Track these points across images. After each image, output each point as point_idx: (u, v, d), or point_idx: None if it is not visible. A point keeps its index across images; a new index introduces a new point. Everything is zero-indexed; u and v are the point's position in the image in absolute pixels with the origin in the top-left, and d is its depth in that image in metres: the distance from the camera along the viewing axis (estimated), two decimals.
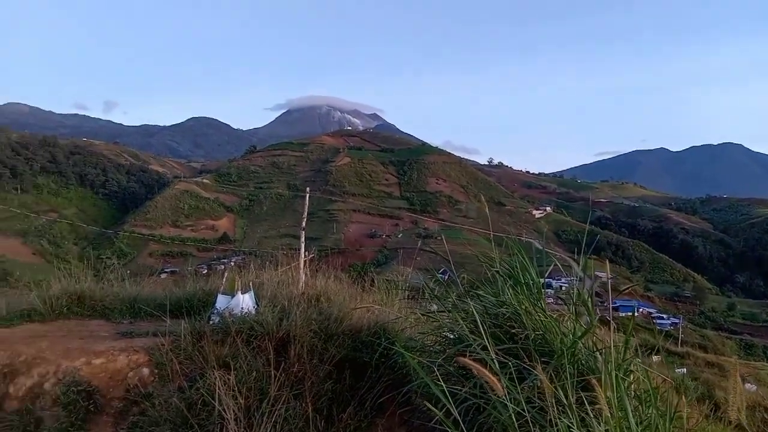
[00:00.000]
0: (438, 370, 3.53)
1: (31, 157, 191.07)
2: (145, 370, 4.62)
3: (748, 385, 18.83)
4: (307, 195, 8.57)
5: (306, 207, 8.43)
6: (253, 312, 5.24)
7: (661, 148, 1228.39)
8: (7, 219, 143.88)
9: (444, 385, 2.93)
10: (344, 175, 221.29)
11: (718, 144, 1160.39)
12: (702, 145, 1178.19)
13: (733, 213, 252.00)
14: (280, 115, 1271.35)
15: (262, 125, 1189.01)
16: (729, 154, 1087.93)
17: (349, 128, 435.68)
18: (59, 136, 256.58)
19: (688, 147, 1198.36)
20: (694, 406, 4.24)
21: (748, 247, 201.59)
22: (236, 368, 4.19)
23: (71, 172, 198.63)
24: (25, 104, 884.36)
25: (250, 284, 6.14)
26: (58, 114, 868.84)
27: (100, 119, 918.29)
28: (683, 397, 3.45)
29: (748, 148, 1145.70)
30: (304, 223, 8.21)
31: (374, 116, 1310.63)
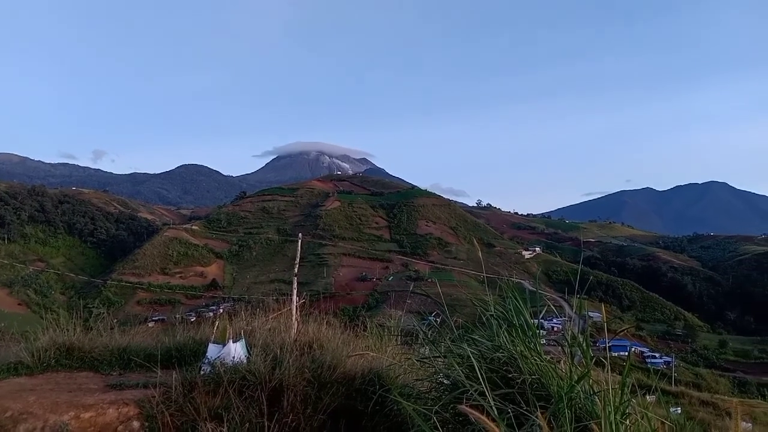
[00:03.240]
0: (435, 417, 3.47)
1: (19, 206, 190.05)
2: (135, 424, 4.51)
3: (744, 424, 18.66)
4: (300, 240, 8.57)
5: (299, 252, 8.41)
6: (245, 361, 5.16)
7: (647, 187, 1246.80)
8: None
9: None
10: (334, 219, 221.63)
11: (703, 183, 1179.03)
12: (687, 184, 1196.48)
13: (720, 250, 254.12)
14: (270, 161, 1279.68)
15: (252, 171, 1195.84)
16: (714, 192, 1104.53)
17: (339, 173, 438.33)
18: (48, 186, 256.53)
19: (673, 186, 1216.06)
20: None
21: (736, 284, 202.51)
22: (229, 420, 4.10)
23: (59, 220, 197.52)
24: (16, 154, 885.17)
25: (241, 332, 6.06)
26: (47, 163, 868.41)
27: (89, 168, 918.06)
28: None
29: (732, 186, 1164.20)
30: (296, 269, 8.18)
31: (363, 160, 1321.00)
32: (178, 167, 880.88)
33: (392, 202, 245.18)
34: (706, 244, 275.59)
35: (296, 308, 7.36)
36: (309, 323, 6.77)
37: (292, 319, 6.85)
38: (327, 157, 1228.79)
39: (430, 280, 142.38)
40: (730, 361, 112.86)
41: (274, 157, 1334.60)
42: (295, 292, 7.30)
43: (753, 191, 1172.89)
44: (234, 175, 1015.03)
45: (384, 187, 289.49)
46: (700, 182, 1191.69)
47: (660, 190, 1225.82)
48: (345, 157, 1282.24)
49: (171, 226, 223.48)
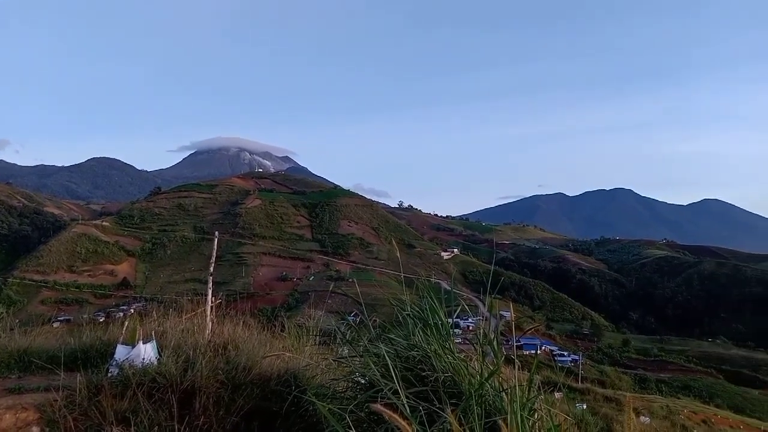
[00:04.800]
0: (350, 416, 3.48)
1: None
2: (35, 429, 4.25)
3: (642, 418, 19.88)
4: (216, 238, 8.36)
5: (214, 250, 8.21)
6: (155, 362, 4.99)
7: (559, 192, 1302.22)
8: None
9: None
10: (254, 217, 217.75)
11: (611, 189, 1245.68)
12: (596, 190, 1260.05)
13: (625, 254, 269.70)
14: (187, 157, 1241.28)
15: (168, 166, 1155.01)
16: (621, 198, 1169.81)
17: (260, 170, 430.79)
18: None
19: (583, 192, 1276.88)
20: None
21: (639, 285, 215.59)
22: (136, 423, 3.94)
23: None
24: None
25: (152, 333, 5.85)
26: None
27: None
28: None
29: (637, 193, 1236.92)
30: (212, 268, 7.98)
31: (286, 158, 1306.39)
32: (88, 160, 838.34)
33: (315, 201, 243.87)
34: (613, 247, 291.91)
35: (212, 308, 7.18)
36: (225, 324, 6.61)
37: (206, 320, 6.68)
38: (248, 154, 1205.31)
39: (351, 280, 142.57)
40: (632, 359, 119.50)
41: (192, 152, 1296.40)
42: (210, 291, 7.11)
43: (656, 198, 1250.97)
44: (149, 170, 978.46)
45: (306, 186, 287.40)
46: (607, 188, 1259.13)
47: (571, 195, 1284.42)
48: (267, 155, 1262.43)
49: (80, 221, 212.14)
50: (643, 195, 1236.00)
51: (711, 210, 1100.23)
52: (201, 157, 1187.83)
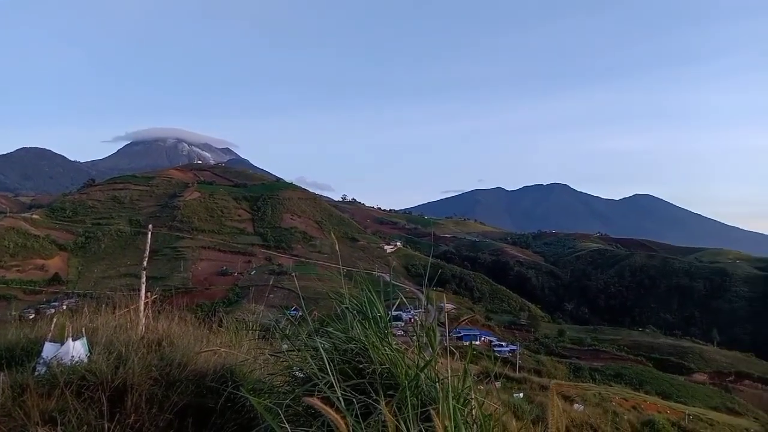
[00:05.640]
0: (286, 410, 3.47)
1: None
2: None
3: (576, 405, 20.60)
4: (150, 231, 8.14)
5: (148, 244, 7.98)
6: (85, 360, 4.82)
7: (499, 187, 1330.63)
8: None
9: (288, 427, 2.88)
10: (193, 210, 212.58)
11: (548, 184, 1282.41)
12: (534, 185, 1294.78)
13: (561, 247, 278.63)
14: (123, 148, 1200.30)
15: (102, 158, 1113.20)
16: (557, 193, 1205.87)
17: (200, 162, 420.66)
18: None
19: (521, 187, 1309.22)
20: (530, 428, 4.56)
21: (574, 277, 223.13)
22: (64, 423, 3.80)
23: None
24: None
25: (83, 330, 5.64)
26: None
27: None
28: (513, 420, 3.68)
29: (573, 188, 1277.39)
30: (145, 262, 7.76)
31: (227, 150, 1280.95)
32: (17, 150, 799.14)
33: (256, 194, 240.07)
34: (549, 240, 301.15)
35: (147, 304, 7.00)
36: (160, 320, 6.46)
37: (140, 316, 6.50)
38: (186, 145, 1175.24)
39: (293, 274, 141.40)
40: (567, 348, 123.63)
41: (128, 143, 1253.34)
42: (143, 286, 6.93)
43: (590, 193, 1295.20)
44: (82, 161, 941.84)
45: (248, 178, 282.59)
46: (544, 184, 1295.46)
47: (510, 189, 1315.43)
48: (206, 146, 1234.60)
49: (8, 214, 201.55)
50: (578, 190, 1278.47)
51: (642, 205, 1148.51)
52: (137, 147, 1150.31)
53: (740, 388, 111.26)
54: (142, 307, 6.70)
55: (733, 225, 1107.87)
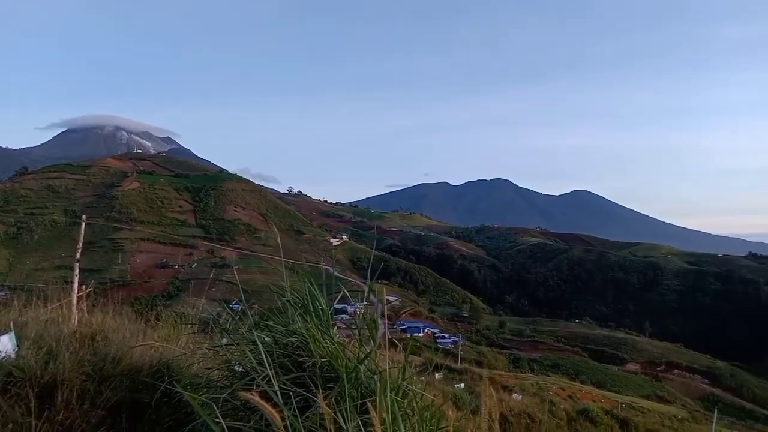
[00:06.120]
0: (224, 405, 3.42)
1: None
2: None
3: (515, 395, 21.12)
4: (84, 222, 7.85)
5: (82, 235, 7.70)
6: (13, 355, 4.61)
7: (444, 182, 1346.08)
8: None
9: (224, 422, 2.84)
10: (132, 201, 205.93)
11: (491, 179, 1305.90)
12: (477, 180, 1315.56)
13: (502, 241, 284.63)
14: (58, 135, 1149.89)
15: (36, 145, 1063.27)
16: (500, 188, 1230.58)
17: (139, 151, 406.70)
18: None
19: (466, 182, 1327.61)
20: (470, 418, 4.65)
21: (515, 271, 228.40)
22: None
23: None
24: None
25: (11, 324, 5.40)
26: None
27: None
28: (453, 410, 3.74)
29: (515, 184, 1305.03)
30: (78, 254, 7.49)
31: (168, 139, 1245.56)
32: None
33: (198, 185, 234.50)
34: (491, 234, 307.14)
35: (82, 296, 6.76)
36: (95, 313, 6.25)
37: (72, 309, 6.27)
38: (125, 134, 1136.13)
39: (237, 267, 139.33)
40: (507, 339, 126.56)
41: (63, 130, 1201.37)
42: (76, 279, 6.68)
43: (531, 188, 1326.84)
44: (13, 149, 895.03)
45: (190, 168, 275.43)
46: (488, 179, 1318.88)
47: (454, 184, 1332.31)
48: (146, 135, 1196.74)
49: None
50: (520, 185, 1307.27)
51: (580, 200, 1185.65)
52: (73, 135, 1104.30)
53: (670, 377, 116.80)
54: (75, 301, 6.47)
55: (666, 221, 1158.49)
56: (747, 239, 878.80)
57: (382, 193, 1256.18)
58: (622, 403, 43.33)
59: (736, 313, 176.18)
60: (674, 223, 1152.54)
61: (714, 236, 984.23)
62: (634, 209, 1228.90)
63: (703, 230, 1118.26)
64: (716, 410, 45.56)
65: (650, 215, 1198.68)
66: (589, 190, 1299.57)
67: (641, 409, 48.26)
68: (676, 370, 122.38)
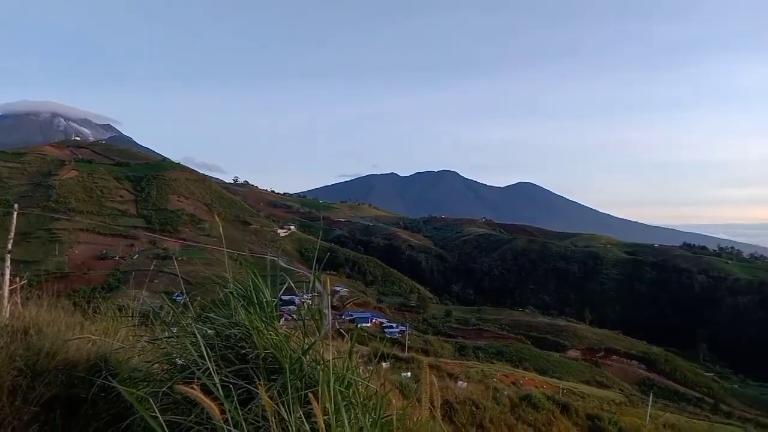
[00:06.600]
0: (164, 399, 3.36)
1: None
2: None
3: (460, 383, 21.51)
4: (15, 212, 7.52)
5: (13, 225, 7.38)
6: None
7: (392, 173, 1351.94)
8: None
9: (161, 417, 2.78)
10: (70, 190, 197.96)
11: (439, 171, 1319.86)
12: (425, 172, 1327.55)
13: (449, 231, 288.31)
14: None
15: None
16: (447, 180, 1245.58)
17: (78, 139, 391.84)
18: None
19: (414, 173, 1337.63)
20: (416, 406, 4.71)
21: (461, 260, 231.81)
22: None
23: None
24: None
25: None
26: None
27: None
28: (400, 398, 3.79)
29: (462, 176, 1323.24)
30: (10, 245, 7.17)
31: (108, 127, 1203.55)
32: None
33: (140, 174, 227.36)
34: (438, 225, 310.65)
35: (15, 289, 6.47)
36: (28, 306, 6.00)
37: (3, 302, 6.00)
38: (63, 120, 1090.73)
39: (180, 258, 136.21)
40: (453, 328, 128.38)
41: None
42: (8, 271, 6.40)
43: (477, 180, 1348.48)
44: None
45: (131, 157, 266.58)
46: (436, 170, 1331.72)
47: (403, 175, 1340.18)
48: (85, 122, 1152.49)
49: None
50: (466, 177, 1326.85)
51: (524, 192, 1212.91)
52: (6, 122, 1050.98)
53: (608, 363, 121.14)
54: (6, 293, 6.20)
55: (605, 212, 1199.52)
56: (681, 230, 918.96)
57: (331, 183, 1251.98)
58: (563, 389, 44.66)
59: (670, 301, 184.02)
60: (613, 214, 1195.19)
61: (650, 227, 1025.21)
62: (576, 200, 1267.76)
63: (640, 221, 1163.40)
64: (651, 394, 47.57)
65: (591, 206, 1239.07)
66: (532, 182, 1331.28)
67: (581, 394, 49.96)
68: (614, 356, 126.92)
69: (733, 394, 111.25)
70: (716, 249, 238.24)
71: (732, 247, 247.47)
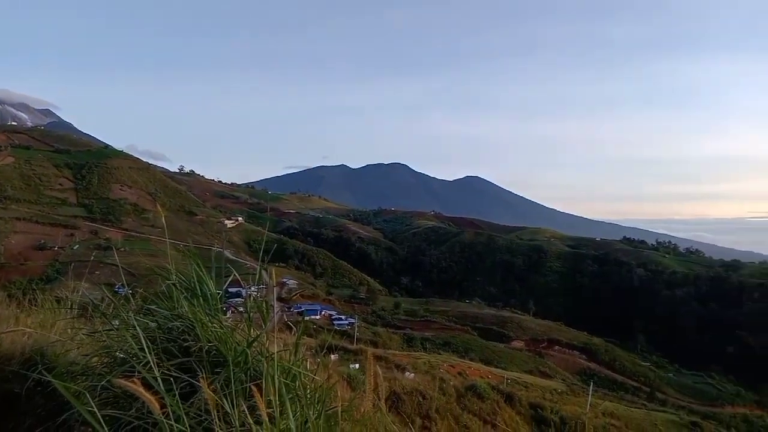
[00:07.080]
0: (104, 393, 3.30)
1: None
2: None
3: (407, 373, 21.74)
4: None
5: None
6: None
7: (342, 164, 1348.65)
8: None
9: (98, 411, 2.73)
10: (6, 177, 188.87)
11: (389, 163, 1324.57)
12: (376, 164, 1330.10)
13: (399, 224, 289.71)
14: None
15: None
16: (397, 172, 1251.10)
17: (14, 124, 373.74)
18: None
19: (364, 165, 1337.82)
20: (363, 397, 4.75)
21: (410, 253, 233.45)
22: None
23: None
24: None
25: None
26: None
27: None
28: (347, 390, 3.81)
29: (412, 168, 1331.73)
30: None
31: (47, 112, 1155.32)
32: None
33: (81, 161, 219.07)
34: (388, 218, 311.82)
35: None
36: None
37: None
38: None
39: (123, 249, 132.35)
40: (401, 320, 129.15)
41: None
42: None
43: (427, 173, 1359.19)
44: None
45: (71, 144, 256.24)
46: (386, 163, 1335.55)
47: (353, 167, 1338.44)
48: (23, 106, 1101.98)
49: None
50: (416, 170, 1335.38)
51: (472, 186, 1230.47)
52: None
53: (551, 354, 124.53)
54: None
55: (550, 207, 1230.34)
56: (621, 224, 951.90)
57: (281, 174, 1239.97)
58: (508, 379, 45.76)
59: (611, 293, 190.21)
60: (557, 209, 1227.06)
61: (592, 221, 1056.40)
62: (522, 195, 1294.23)
63: (583, 215, 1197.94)
64: (592, 383, 49.29)
65: (536, 201, 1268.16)
66: (480, 176, 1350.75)
67: (525, 383, 51.19)
68: (556, 347, 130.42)
69: (669, 383, 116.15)
70: (654, 243, 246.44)
71: (669, 242, 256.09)
